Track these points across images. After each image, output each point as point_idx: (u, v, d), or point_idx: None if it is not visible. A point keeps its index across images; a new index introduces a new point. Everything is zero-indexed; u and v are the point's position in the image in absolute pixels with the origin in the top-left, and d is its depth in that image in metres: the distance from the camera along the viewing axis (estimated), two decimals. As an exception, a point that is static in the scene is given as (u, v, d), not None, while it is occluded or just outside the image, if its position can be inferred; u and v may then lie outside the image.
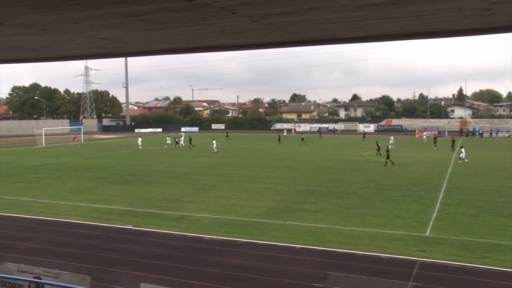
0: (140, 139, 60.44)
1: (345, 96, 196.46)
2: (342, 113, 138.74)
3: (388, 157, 38.46)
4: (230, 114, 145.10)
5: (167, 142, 62.00)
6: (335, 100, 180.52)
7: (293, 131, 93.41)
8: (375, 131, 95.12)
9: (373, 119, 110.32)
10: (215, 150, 50.68)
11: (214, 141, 52.59)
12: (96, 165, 41.07)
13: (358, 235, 17.54)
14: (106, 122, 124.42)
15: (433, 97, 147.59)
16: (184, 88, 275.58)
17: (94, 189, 28.50)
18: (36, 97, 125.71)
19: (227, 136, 76.52)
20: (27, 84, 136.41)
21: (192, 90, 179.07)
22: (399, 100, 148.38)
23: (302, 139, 63.90)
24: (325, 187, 28.17)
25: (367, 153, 48.09)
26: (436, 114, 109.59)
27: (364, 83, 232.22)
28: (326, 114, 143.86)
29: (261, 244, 16.49)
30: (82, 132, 77.72)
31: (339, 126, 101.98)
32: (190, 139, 58.83)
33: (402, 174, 33.39)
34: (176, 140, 61.62)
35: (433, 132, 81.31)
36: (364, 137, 71.03)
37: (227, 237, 17.31)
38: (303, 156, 47.48)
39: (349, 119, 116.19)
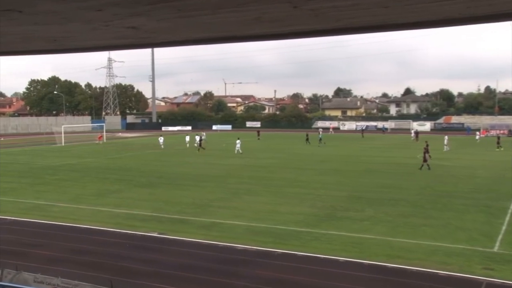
0: (161, 138, 61.14)
1: (396, 91, 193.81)
2: (393, 110, 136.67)
3: (424, 159, 37.70)
4: (266, 111, 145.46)
5: (187, 141, 60.95)
6: (385, 95, 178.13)
7: (330, 130, 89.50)
8: (431, 129, 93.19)
9: (429, 116, 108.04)
10: (239, 151, 50.44)
11: (238, 141, 51.71)
12: (119, 166, 42.01)
13: (410, 248, 17.22)
14: (130, 119, 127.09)
15: (502, 91, 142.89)
16: (216, 82, 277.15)
17: (117, 192, 29.15)
18: (55, 92, 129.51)
19: (258, 135, 76.21)
20: (45, 78, 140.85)
21: (225, 84, 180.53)
22: (460, 94, 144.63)
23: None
24: (372, 192, 27.83)
25: (420, 155, 47.05)
26: (507, 110, 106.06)
27: (419, 76, 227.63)
28: (375, 111, 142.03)
29: (300, 255, 16.44)
30: (104, 130, 79.64)
31: (390, 125, 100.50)
32: (201, 141, 57.13)
33: (464, 179, 32.61)
34: (201, 137, 61.14)
35: (502, 131, 78.70)
36: (417, 136, 69.41)
37: (262, 247, 17.32)
38: (346, 158, 47.09)
39: (401, 117, 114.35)
